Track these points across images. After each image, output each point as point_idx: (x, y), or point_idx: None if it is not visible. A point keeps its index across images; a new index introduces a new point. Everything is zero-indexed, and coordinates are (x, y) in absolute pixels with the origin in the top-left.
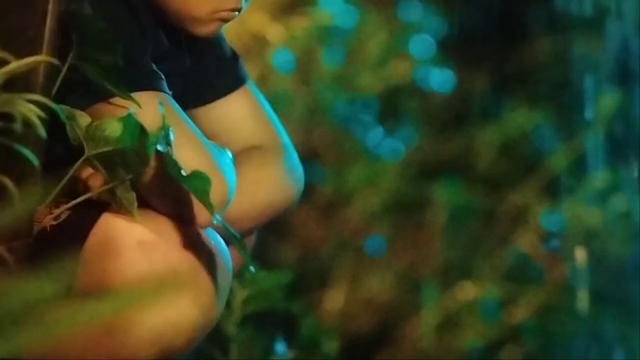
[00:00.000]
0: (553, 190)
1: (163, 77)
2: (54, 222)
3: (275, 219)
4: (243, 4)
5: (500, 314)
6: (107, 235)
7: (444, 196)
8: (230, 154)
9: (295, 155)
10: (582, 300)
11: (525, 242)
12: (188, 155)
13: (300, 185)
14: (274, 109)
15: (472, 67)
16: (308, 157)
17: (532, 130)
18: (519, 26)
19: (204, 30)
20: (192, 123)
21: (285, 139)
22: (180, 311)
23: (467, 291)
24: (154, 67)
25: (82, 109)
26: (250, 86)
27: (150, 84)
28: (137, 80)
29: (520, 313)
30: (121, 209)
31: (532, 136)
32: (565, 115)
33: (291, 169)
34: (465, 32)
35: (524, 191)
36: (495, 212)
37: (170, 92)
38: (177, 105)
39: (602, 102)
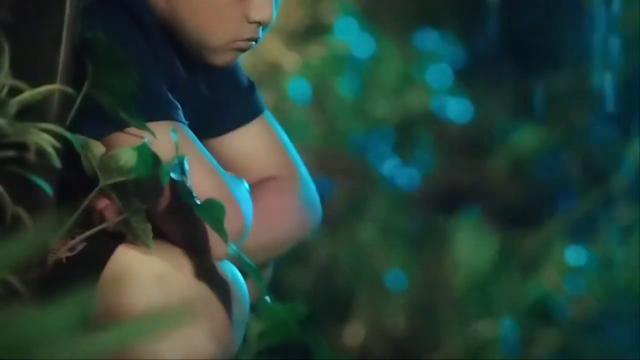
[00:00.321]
0: (578, 225)
1: (179, 106)
2: (69, 254)
3: (292, 249)
4: (260, 34)
5: (521, 352)
6: (123, 267)
7: (462, 227)
8: (246, 185)
9: (312, 186)
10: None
11: (547, 278)
12: (203, 185)
13: (317, 215)
14: (290, 139)
15: (490, 96)
16: (325, 187)
17: (549, 159)
18: (537, 55)
19: (220, 59)
20: (207, 153)
21: (302, 169)
22: (197, 344)
23: (488, 327)
24: (170, 96)
25: (97, 139)
26: (266, 116)
27: (166, 114)
28: (153, 110)
29: (541, 351)
30: (136, 240)
31: (549, 165)
32: (586, 144)
33: (308, 200)
34: (483, 61)
35: (546, 225)
36: (516, 244)
37: (186, 122)
38: (192, 134)
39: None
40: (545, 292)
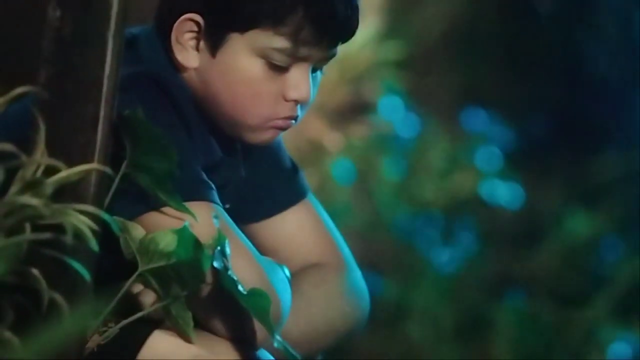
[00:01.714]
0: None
1: (214, 187)
2: (102, 342)
3: (340, 342)
4: (299, 112)
5: None
6: (157, 354)
7: (509, 315)
8: (287, 272)
9: (358, 273)
10: None
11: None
12: (240, 272)
13: (364, 304)
14: (333, 222)
15: (542, 180)
16: (370, 273)
17: (600, 245)
18: (590, 137)
19: (258, 138)
20: (244, 237)
21: (347, 255)
22: None
23: None
24: (204, 176)
25: (132, 217)
26: (310, 199)
27: (200, 194)
28: (187, 190)
29: None
30: (176, 329)
31: (599, 252)
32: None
33: (354, 287)
34: (534, 143)
35: (592, 311)
36: (562, 331)
37: (223, 205)
38: (227, 217)
39: None
40: None
